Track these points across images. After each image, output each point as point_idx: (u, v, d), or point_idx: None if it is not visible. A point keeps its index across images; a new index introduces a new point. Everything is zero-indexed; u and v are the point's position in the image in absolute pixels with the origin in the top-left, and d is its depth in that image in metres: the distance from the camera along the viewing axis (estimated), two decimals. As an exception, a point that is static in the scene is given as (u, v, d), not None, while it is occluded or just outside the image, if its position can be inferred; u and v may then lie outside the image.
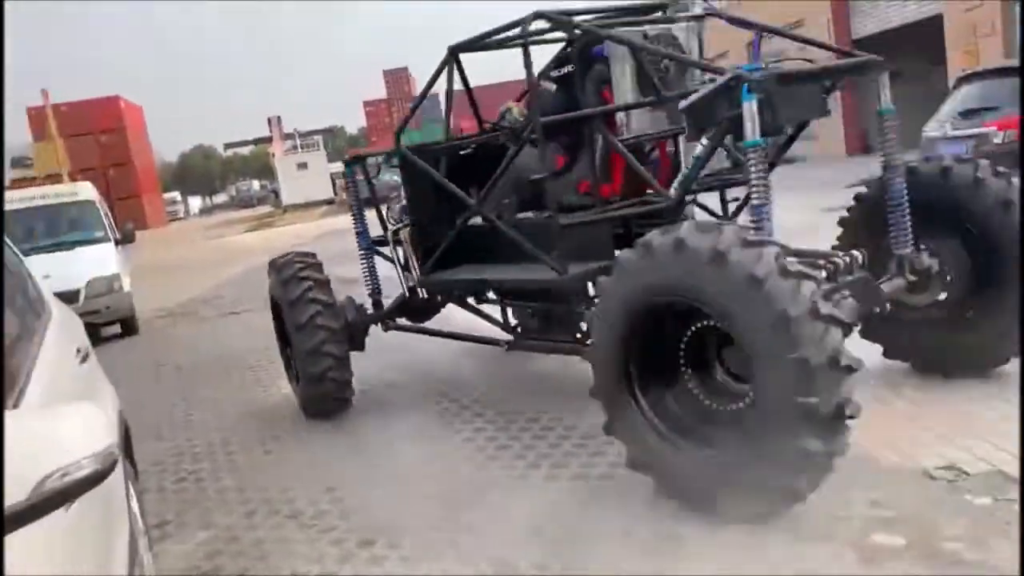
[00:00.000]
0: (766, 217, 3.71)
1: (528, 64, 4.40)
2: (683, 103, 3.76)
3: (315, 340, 5.48)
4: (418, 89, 55.61)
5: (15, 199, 11.93)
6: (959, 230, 4.53)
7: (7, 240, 3.53)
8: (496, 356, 6.45)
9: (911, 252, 4.45)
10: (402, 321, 6.27)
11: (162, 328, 11.92)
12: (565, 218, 4.46)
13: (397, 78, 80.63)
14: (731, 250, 3.14)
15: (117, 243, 11.79)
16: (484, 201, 4.87)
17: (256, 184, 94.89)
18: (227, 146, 71.22)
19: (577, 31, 4.47)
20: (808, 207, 11.10)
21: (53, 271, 10.83)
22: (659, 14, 4.78)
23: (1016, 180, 4.39)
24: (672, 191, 4.11)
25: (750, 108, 3.51)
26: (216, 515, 4.68)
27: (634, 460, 3.72)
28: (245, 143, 65.53)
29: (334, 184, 48.95)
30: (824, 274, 3.83)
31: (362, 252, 6.27)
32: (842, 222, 5.00)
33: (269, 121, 57.06)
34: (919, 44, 20.39)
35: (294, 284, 5.64)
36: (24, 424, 1.77)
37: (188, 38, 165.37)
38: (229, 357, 8.92)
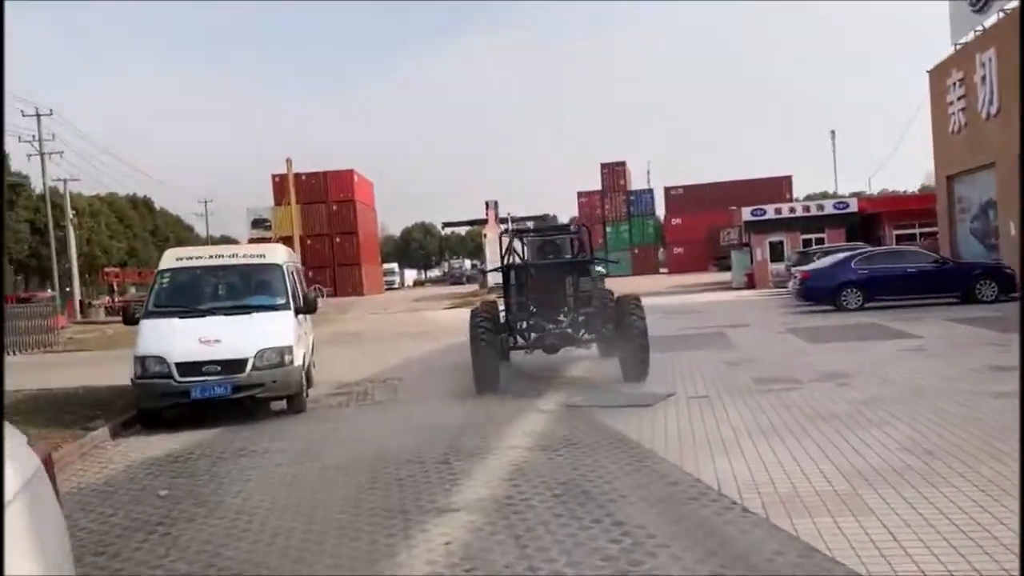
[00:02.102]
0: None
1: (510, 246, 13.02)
2: None
3: (480, 342, 11.14)
4: (632, 183, 55.71)
5: (204, 255, 11.48)
6: None
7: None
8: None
9: None
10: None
11: (329, 410, 10.80)
12: None
13: (614, 171, 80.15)
14: None
15: (297, 312, 10.94)
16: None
17: (468, 263, 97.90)
18: (445, 224, 73.46)
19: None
20: None
21: (225, 336, 10.10)
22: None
23: None
24: None
25: None
26: None
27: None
28: (462, 223, 67.08)
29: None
30: None
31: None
32: None
33: (487, 204, 57.96)
34: None
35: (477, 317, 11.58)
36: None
37: (426, 121, 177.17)
38: (384, 461, 7.44)
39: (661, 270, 75.83)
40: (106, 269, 47.23)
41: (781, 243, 38.70)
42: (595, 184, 80.00)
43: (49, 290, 51.13)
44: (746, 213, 40.29)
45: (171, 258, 11.31)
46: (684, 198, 76.05)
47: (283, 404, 10.58)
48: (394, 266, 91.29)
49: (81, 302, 48.68)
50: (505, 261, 12.82)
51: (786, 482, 5.94)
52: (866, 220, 38.34)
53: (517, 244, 13.45)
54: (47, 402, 12.38)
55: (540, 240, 13.89)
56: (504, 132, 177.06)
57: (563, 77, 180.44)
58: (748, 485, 5.92)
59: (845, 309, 20.24)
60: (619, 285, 46.01)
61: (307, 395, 11.02)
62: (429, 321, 27.89)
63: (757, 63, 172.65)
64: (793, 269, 25.95)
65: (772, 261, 38.18)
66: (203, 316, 10.31)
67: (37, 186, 55.05)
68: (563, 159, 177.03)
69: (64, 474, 7.91)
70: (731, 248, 52.17)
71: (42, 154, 50.50)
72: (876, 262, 21.31)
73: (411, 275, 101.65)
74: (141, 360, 9.87)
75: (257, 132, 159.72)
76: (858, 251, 23.38)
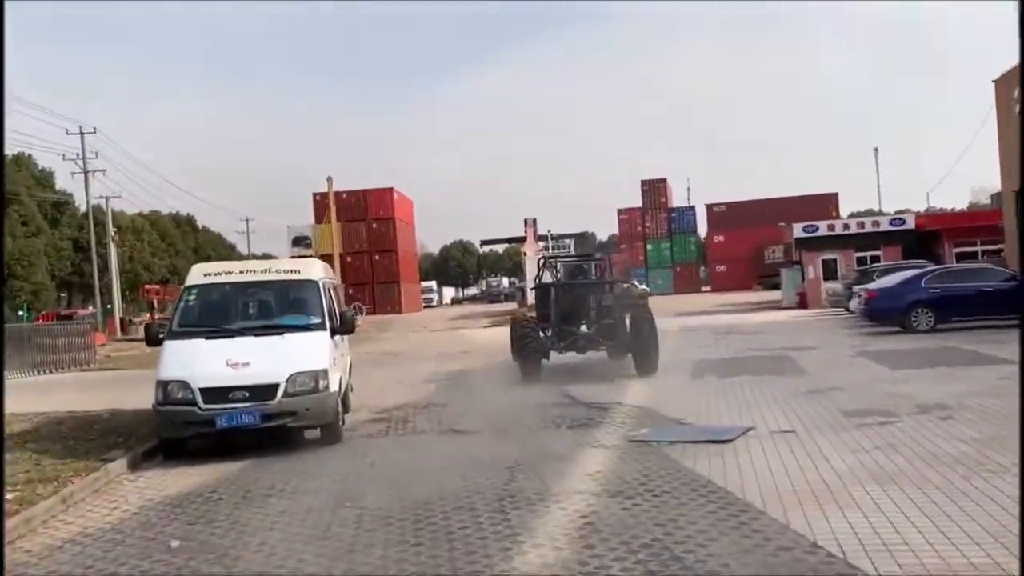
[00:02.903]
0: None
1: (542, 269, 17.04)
2: None
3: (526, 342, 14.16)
4: (673, 200, 55.80)
5: (234, 270, 10.57)
6: None
7: None
8: None
9: None
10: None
11: (367, 440, 9.83)
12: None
13: (655, 188, 78.79)
14: None
15: (333, 333, 10.00)
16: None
17: (506, 281, 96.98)
18: (484, 242, 72.85)
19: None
20: None
21: (254, 359, 9.17)
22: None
23: None
24: None
25: None
26: None
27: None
28: (500, 241, 66.21)
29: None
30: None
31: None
32: None
33: (525, 222, 57.04)
34: None
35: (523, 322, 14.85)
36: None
37: (465, 139, 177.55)
38: (430, 507, 6.44)
39: (703, 288, 74.16)
40: (146, 286, 47.04)
41: (834, 261, 37.17)
42: (636, 200, 78.83)
43: (90, 307, 51.18)
44: (797, 230, 38.76)
45: (199, 273, 10.44)
46: (726, 215, 74.50)
47: (317, 432, 9.63)
48: (432, 284, 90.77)
49: (122, 319, 48.57)
50: (540, 281, 16.53)
51: (928, 550, 4.80)
52: (923, 237, 36.65)
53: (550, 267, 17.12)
54: (69, 427, 11.63)
55: (569, 264, 17.56)
56: (543, 148, 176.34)
57: (603, 94, 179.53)
58: (879, 551, 4.81)
59: (915, 331, 18.84)
60: (661, 304, 44.92)
61: (343, 423, 10.07)
62: (469, 340, 26.96)
63: (799, 80, 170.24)
64: (855, 288, 24.53)
65: (825, 279, 36.69)
66: (231, 337, 9.41)
67: (82, 204, 55.45)
68: (603, 175, 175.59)
69: (70, 515, 7.06)
70: (779, 266, 50.70)
71: (85, 172, 50.82)
72: (948, 280, 19.91)
73: (449, 293, 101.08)
74: (163, 385, 8.99)
75: (298, 151, 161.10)
76: (928, 269, 21.94)
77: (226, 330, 9.56)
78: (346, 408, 11.75)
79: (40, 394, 17.59)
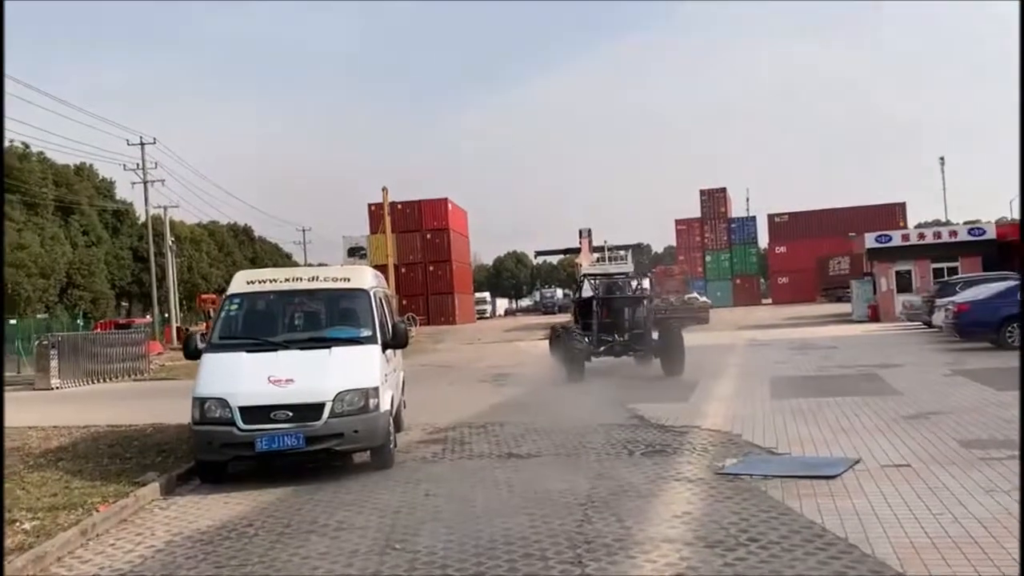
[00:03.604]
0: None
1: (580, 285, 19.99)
2: None
3: (574, 347, 16.18)
4: (733, 211, 54.51)
5: (280, 277, 9.74)
6: None
7: None
8: None
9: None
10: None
11: (420, 465, 8.95)
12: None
13: (714, 197, 76.92)
14: None
15: (385, 347, 9.16)
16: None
17: (559, 292, 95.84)
18: (538, 253, 72.11)
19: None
20: None
21: (299, 375, 8.33)
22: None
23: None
24: None
25: None
26: None
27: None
28: (555, 252, 65.24)
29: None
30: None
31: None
32: None
33: (580, 233, 56.01)
34: None
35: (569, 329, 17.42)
36: None
37: (520, 150, 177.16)
38: (493, 552, 5.51)
39: (763, 301, 72.01)
40: (202, 296, 47.25)
41: (909, 272, 35.35)
42: (693, 210, 77.13)
43: (148, 316, 51.65)
44: (869, 240, 36.95)
45: (241, 281, 9.68)
46: (789, 226, 72.32)
47: (366, 455, 8.79)
48: (486, 295, 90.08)
49: (179, 329, 48.87)
50: (581, 295, 19.11)
51: None
52: (1003, 248, 34.59)
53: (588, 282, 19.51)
54: (108, 443, 11.02)
55: (608, 281, 19.28)
56: (598, 158, 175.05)
57: (657, 100, 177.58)
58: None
59: (1009, 347, 17.32)
60: (723, 316, 43.37)
61: (395, 445, 9.21)
62: (524, 352, 26.04)
63: (859, 91, 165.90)
64: (938, 301, 22.96)
65: (898, 291, 34.88)
66: (274, 350, 8.62)
67: (142, 214, 56.14)
68: (660, 185, 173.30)
69: (89, 551, 6.30)
70: (847, 278, 48.75)
71: (145, 182, 51.36)
72: (1047, 292, 18.32)
73: (503, 304, 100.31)
74: (200, 403, 8.24)
75: (354, 162, 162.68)
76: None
77: (269, 343, 8.78)
78: (398, 428, 10.93)
79: (88, 404, 17.23)
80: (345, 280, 9.65)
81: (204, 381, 8.41)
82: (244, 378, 8.29)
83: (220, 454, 8.17)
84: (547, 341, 30.52)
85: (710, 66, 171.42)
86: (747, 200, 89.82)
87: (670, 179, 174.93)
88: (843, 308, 45.35)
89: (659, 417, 11.20)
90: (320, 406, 8.11)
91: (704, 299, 43.08)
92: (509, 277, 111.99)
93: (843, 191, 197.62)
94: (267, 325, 9.26)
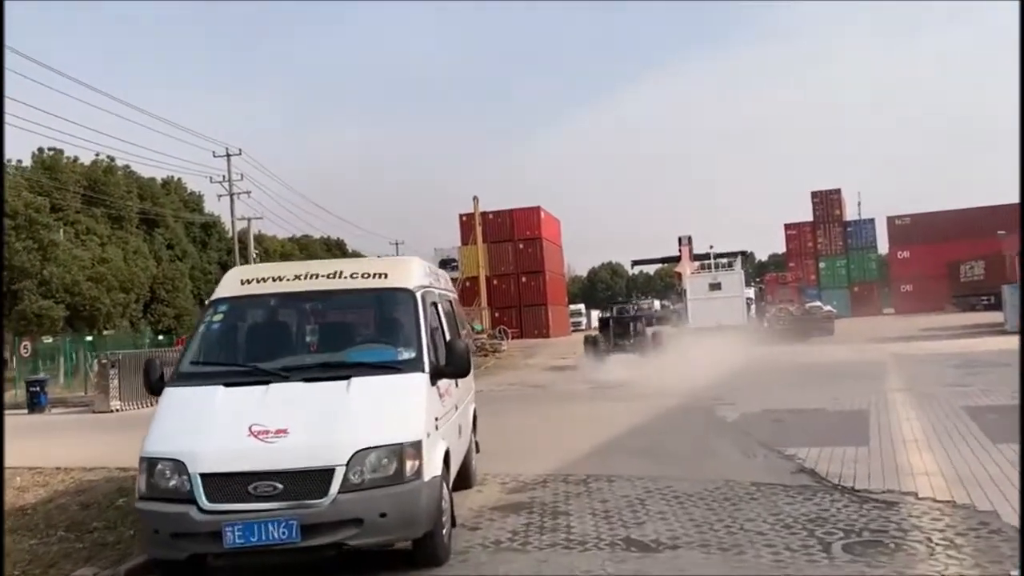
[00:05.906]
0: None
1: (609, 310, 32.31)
2: None
3: (598, 345, 26.51)
4: (849, 213, 49.95)
5: (287, 274, 6.45)
6: None
7: None
8: None
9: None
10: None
11: (492, 557, 5.78)
12: None
13: (827, 199, 71.44)
14: None
15: (435, 376, 6.03)
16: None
17: (657, 303, 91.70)
18: (635, 263, 68.37)
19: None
20: None
21: (296, 423, 5.21)
22: None
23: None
24: None
25: None
26: None
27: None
28: (652, 261, 61.53)
29: (749, 308, 42.54)
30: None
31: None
32: None
33: (679, 240, 52.12)
34: None
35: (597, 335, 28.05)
36: None
37: (620, 157, 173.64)
38: None
39: (885, 310, 66.09)
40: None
41: (1074, 276, 30.27)
42: (803, 215, 71.86)
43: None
44: (1027, 238, 31.87)
45: (234, 281, 6.66)
46: (911, 228, 66.36)
47: (408, 542, 5.67)
48: (581, 307, 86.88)
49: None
50: (602, 316, 31.74)
51: None
52: None
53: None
54: (83, 502, 8.33)
55: (619, 307, 31.42)
56: (701, 162, 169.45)
57: (763, 102, 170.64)
58: None
59: None
60: (849, 327, 38.67)
61: (453, 524, 6.02)
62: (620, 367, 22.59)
63: (974, 87, 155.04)
64: None
65: (1062, 298, 29.82)
66: (266, 383, 5.63)
67: (230, 227, 55.32)
68: (766, 188, 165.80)
69: None
70: (983, 284, 43.47)
71: (231, 194, 50.32)
72: None
73: (597, 316, 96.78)
74: (148, 465, 5.31)
75: (446, 174, 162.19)
76: None
77: (259, 371, 5.75)
78: (467, 483, 7.84)
79: (135, 433, 14.71)
80: (381, 277, 6.44)
81: (157, 432, 5.47)
82: (215, 428, 5.31)
83: (172, 548, 5.15)
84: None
85: (826, 65, 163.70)
86: (859, 204, 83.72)
87: (774, 186, 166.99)
88: (983, 317, 40.05)
89: (839, 473, 7.76)
90: (326, 474, 5.04)
91: (828, 308, 38.73)
92: (604, 288, 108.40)
93: (968, 189, 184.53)
94: (261, 344, 6.21)
